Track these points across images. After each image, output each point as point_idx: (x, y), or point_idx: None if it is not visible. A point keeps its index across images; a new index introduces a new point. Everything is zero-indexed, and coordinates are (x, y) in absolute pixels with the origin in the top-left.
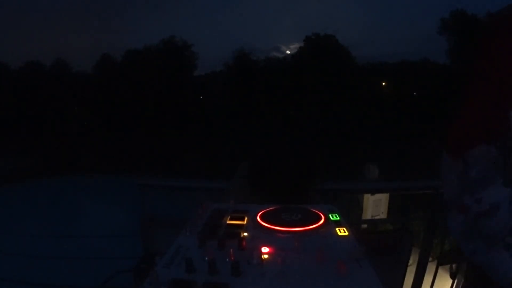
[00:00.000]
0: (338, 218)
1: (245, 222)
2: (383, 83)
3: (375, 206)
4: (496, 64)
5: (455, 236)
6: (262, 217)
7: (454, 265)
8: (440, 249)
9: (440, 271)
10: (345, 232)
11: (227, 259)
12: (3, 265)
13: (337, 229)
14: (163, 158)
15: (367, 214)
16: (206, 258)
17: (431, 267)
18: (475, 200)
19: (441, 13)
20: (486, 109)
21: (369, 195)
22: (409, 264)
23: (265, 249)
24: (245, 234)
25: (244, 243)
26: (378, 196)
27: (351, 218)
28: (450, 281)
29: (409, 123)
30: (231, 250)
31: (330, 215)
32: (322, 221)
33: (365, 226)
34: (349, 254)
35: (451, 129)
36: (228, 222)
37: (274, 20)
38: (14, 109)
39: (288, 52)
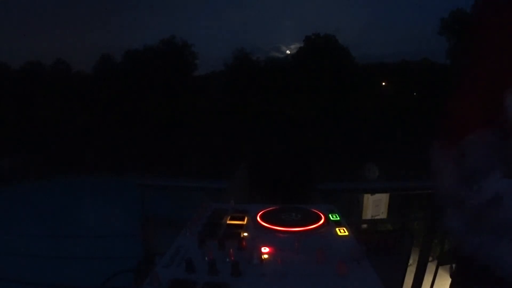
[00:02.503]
0: (338, 218)
1: (245, 222)
2: (383, 83)
3: (375, 206)
4: (486, 47)
5: (456, 233)
6: (262, 217)
7: (454, 265)
8: (440, 249)
9: (440, 271)
10: (345, 232)
11: (227, 259)
12: (3, 265)
13: (337, 229)
14: (163, 158)
15: (367, 214)
16: (206, 258)
17: (431, 267)
18: (475, 190)
19: (441, 13)
20: (480, 93)
21: (369, 195)
22: (409, 264)
23: (265, 249)
24: (245, 234)
25: (244, 243)
26: (378, 196)
27: (351, 218)
28: (450, 281)
29: (409, 123)
30: (231, 250)
31: (330, 215)
32: (322, 221)
33: (365, 226)
34: (349, 254)
35: (443, 117)
36: (228, 222)
37: (274, 20)
38: (14, 109)
39: (288, 52)
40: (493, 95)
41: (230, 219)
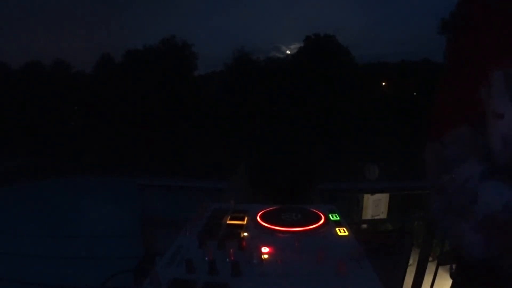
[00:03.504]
0: (338, 218)
1: (245, 222)
2: (383, 83)
3: (375, 206)
4: (463, 44)
5: (435, 217)
6: (262, 217)
7: (454, 265)
8: (440, 249)
9: (440, 271)
10: (345, 232)
11: (227, 259)
12: (3, 265)
13: (337, 229)
14: (163, 158)
15: (367, 214)
16: (206, 258)
17: (431, 267)
18: (450, 178)
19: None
20: (459, 90)
21: (369, 195)
22: (409, 264)
23: (265, 249)
24: (245, 234)
25: (244, 243)
26: (378, 196)
27: (351, 218)
28: (450, 281)
29: (409, 123)
30: (231, 250)
31: (330, 215)
32: (322, 221)
33: (365, 226)
34: (349, 254)
35: (431, 114)
36: (228, 222)
37: (274, 20)
38: (14, 109)
39: (288, 52)
40: (470, 91)
41: (230, 219)
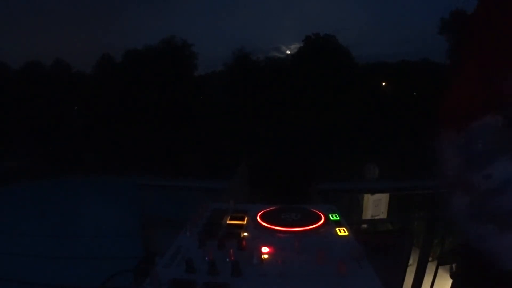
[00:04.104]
0: (338, 218)
1: (245, 222)
2: (383, 83)
3: (375, 206)
4: (492, 25)
5: (460, 221)
6: (262, 217)
7: (454, 265)
8: (440, 249)
9: (440, 271)
10: (345, 232)
11: (227, 259)
12: (3, 265)
13: (337, 229)
14: (163, 158)
15: (367, 214)
16: (206, 258)
17: (431, 267)
18: (483, 176)
19: (441, 13)
20: (483, 78)
21: (369, 195)
22: (409, 264)
23: (265, 249)
24: (245, 234)
25: (244, 243)
26: (378, 196)
27: (351, 218)
28: (450, 281)
29: (409, 122)
30: (231, 250)
31: (330, 215)
32: (322, 221)
33: (365, 226)
34: (349, 254)
35: (449, 100)
36: (228, 222)
37: (274, 20)
38: (14, 109)
39: (288, 52)
40: (496, 79)
41: (230, 219)
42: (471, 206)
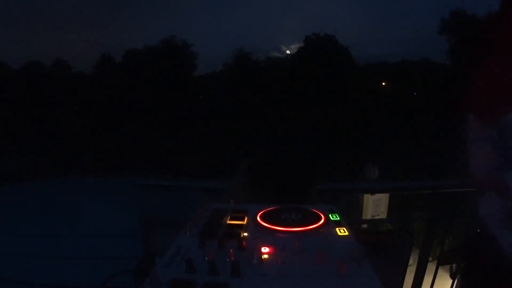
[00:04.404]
0: (338, 218)
1: (245, 222)
2: (384, 83)
3: (375, 206)
4: None
5: (490, 223)
6: (262, 217)
7: (454, 265)
8: (440, 249)
9: (440, 271)
10: (345, 232)
11: (227, 259)
12: (3, 265)
13: (337, 229)
14: (163, 158)
15: (367, 214)
16: (206, 258)
17: (431, 267)
18: None
19: (441, 13)
20: None
21: (369, 195)
22: (409, 264)
23: (265, 249)
24: (245, 234)
25: (244, 243)
26: (378, 196)
27: (351, 218)
28: (450, 281)
29: (409, 123)
30: (231, 250)
31: (330, 215)
32: (322, 221)
33: (365, 226)
34: (349, 254)
35: (480, 92)
36: (228, 222)
37: (274, 20)
38: (14, 109)
39: (288, 52)
40: None
41: (230, 219)
42: (505, 209)
